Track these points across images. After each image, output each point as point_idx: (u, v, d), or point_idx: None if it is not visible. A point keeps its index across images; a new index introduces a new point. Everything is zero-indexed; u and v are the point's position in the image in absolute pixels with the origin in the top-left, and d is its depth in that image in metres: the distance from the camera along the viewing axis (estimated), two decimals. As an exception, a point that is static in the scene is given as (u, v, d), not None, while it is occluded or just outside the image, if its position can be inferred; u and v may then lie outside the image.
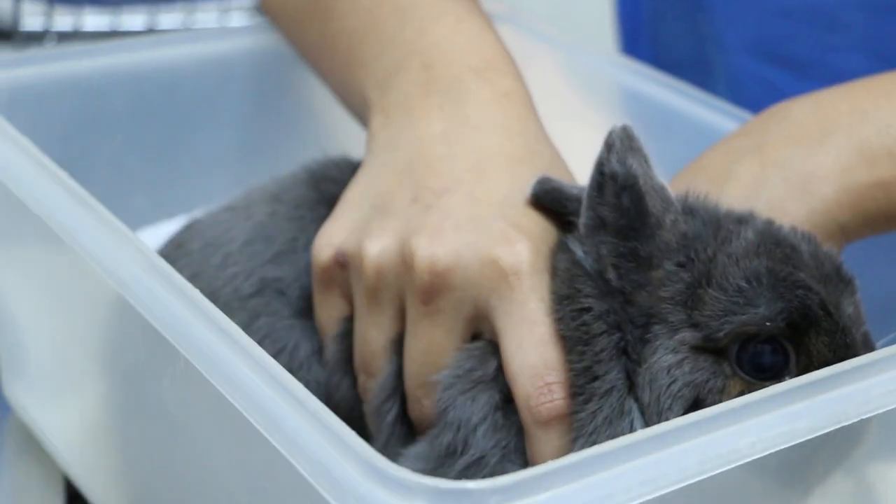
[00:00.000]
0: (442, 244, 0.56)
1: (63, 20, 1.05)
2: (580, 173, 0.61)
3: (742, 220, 0.56)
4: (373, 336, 0.59)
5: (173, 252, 0.67)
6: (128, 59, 0.82)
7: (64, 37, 1.05)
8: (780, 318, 0.52)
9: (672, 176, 0.66)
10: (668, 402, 0.52)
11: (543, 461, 0.52)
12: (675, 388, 0.53)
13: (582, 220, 0.55)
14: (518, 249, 0.55)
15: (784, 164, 0.62)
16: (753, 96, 0.86)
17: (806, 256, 0.55)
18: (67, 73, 0.81)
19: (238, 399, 0.49)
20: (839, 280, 0.55)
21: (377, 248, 0.58)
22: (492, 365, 0.56)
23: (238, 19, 1.09)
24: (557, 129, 0.65)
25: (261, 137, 0.87)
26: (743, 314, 0.53)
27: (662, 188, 0.55)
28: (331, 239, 0.60)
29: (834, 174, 0.61)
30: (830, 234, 0.61)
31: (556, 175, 0.58)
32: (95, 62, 0.82)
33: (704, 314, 0.53)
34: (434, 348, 0.57)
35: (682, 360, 0.53)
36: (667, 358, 0.53)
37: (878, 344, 0.55)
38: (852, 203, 0.61)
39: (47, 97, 0.80)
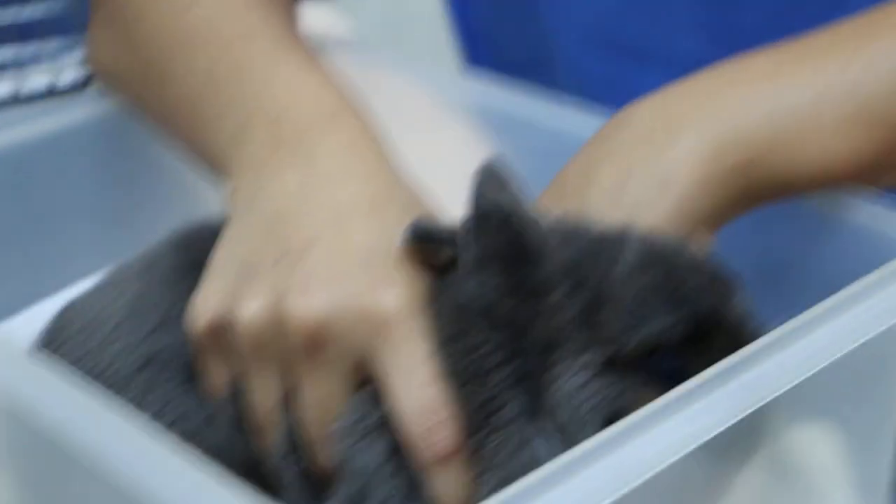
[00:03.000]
0: (313, 301, 0.56)
1: None
2: (444, 194, 0.62)
3: (619, 240, 0.57)
4: (260, 400, 0.59)
5: (54, 338, 0.66)
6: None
7: None
8: (675, 329, 0.54)
9: (538, 188, 0.66)
10: (585, 422, 0.54)
11: (447, 500, 0.54)
12: (587, 407, 0.54)
13: (463, 259, 0.56)
14: (388, 296, 0.56)
15: (639, 165, 0.63)
16: (598, 90, 0.86)
17: (687, 266, 0.56)
18: None
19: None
20: (722, 283, 0.57)
21: (249, 313, 0.58)
22: (381, 411, 0.56)
23: (70, 78, 1.06)
24: (413, 150, 0.66)
25: (124, 202, 0.86)
26: (641, 329, 0.54)
27: (536, 221, 0.57)
28: (202, 308, 0.60)
29: (687, 168, 0.62)
30: (697, 224, 0.62)
31: (417, 215, 0.59)
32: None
33: (604, 334, 0.55)
34: (325, 401, 0.57)
35: (590, 379, 0.54)
36: (575, 380, 0.54)
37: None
38: (712, 192, 0.62)
39: None
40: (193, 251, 0.65)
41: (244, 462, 0.61)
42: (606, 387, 0.54)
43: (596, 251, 0.56)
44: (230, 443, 0.61)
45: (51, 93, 1.05)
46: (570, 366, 0.55)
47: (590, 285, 0.55)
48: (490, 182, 0.56)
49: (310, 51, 0.69)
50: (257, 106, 0.65)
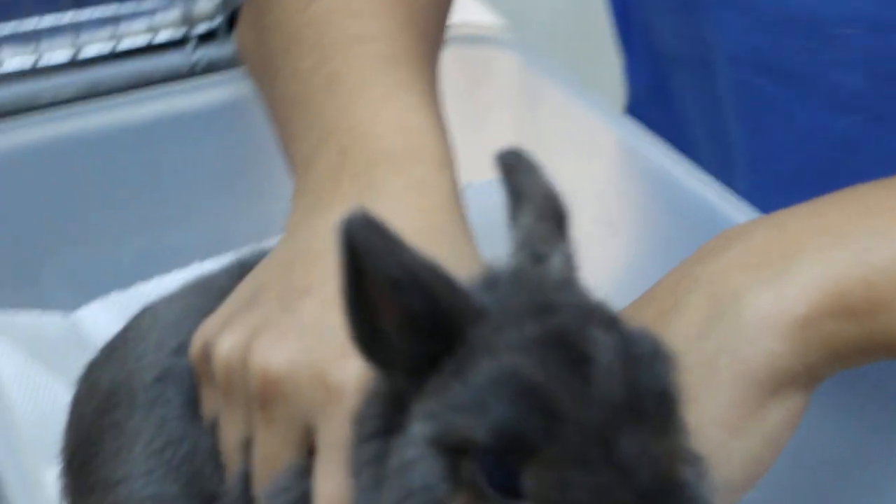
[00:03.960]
0: (279, 350, 0.53)
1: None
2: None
3: (548, 309, 0.47)
4: (229, 430, 0.57)
5: (120, 340, 0.66)
6: (99, 120, 0.78)
7: (-15, 81, 0.97)
8: (497, 431, 0.44)
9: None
10: None
11: None
12: (404, 491, 0.46)
13: (352, 336, 0.48)
14: (350, 366, 0.52)
15: (739, 297, 0.54)
16: (752, 107, 0.82)
17: (597, 370, 0.45)
18: (40, 140, 0.78)
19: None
20: (637, 407, 0.45)
21: (228, 344, 0.56)
22: (305, 486, 0.53)
23: (166, 36, 1.02)
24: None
25: (251, 185, 0.83)
26: (466, 416, 0.45)
27: (443, 274, 0.47)
28: (203, 329, 0.58)
29: (798, 308, 0.53)
30: (795, 377, 0.53)
31: (458, 271, 0.49)
32: (70, 125, 0.77)
33: (440, 406, 0.46)
34: (271, 458, 0.55)
35: (419, 457, 0.46)
36: (407, 452, 0.47)
37: None
38: (822, 340, 0.53)
39: (20, 165, 0.78)
40: (243, 276, 0.62)
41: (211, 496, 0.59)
42: (427, 471, 0.46)
43: (514, 313, 0.47)
44: (204, 473, 0.60)
45: (147, 49, 1.01)
46: (407, 434, 0.47)
47: (469, 345, 0.46)
48: (374, 242, 0.46)
49: (419, 64, 0.64)
50: (335, 128, 0.61)
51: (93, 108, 0.79)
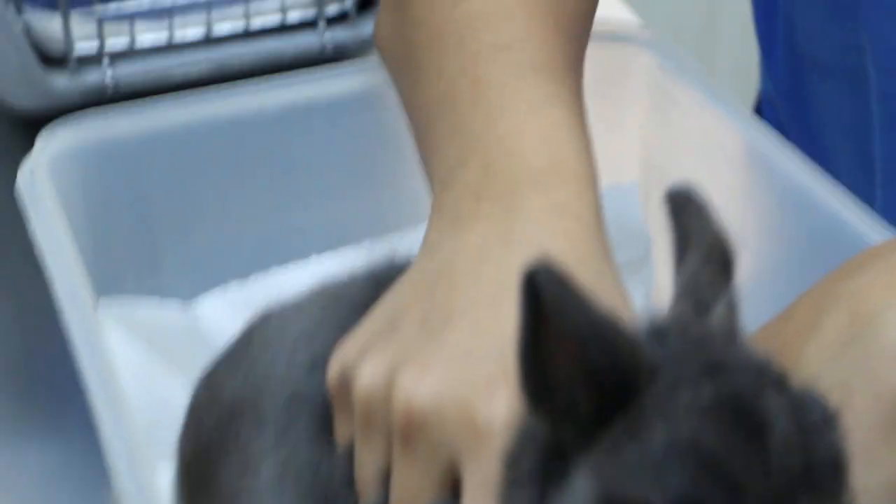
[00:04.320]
0: (424, 383, 0.51)
1: (116, 40, 0.97)
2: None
3: (721, 369, 0.46)
4: (365, 460, 0.55)
5: (243, 347, 0.64)
6: (229, 105, 0.78)
7: (118, 56, 0.97)
8: (674, 500, 0.43)
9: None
10: None
11: None
12: None
13: (522, 385, 0.47)
14: (499, 400, 0.49)
15: (878, 317, 0.52)
16: None
17: (774, 439, 0.44)
18: (169, 124, 0.77)
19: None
20: (813, 477, 0.45)
21: (369, 372, 0.53)
22: None
23: (297, 17, 1.02)
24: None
25: (380, 177, 0.83)
26: (641, 482, 0.44)
27: (624, 330, 0.46)
28: (342, 354, 0.56)
29: None
30: None
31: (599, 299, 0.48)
32: (199, 109, 0.77)
33: (611, 467, 0.45)
34: (411, 494, 0.52)
35: None
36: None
37: None
38: None
39: (147, 149, 0.76)
40: (381, 289, 0.59)
41: None
42: None
43: (679, 371, 0.46)
44: (337, 502, 0.57)
45: (278, 29, 1.01)
46: (576, 488, 0.45)
47: (642, 405, 0.45)
48: (557, 293, 0.44)
49: (565, 73, 0.62)
50: (479, 142, 0.58)
51: (222, 92, 0.78)
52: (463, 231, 0.56)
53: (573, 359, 0.45)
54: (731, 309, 0.51)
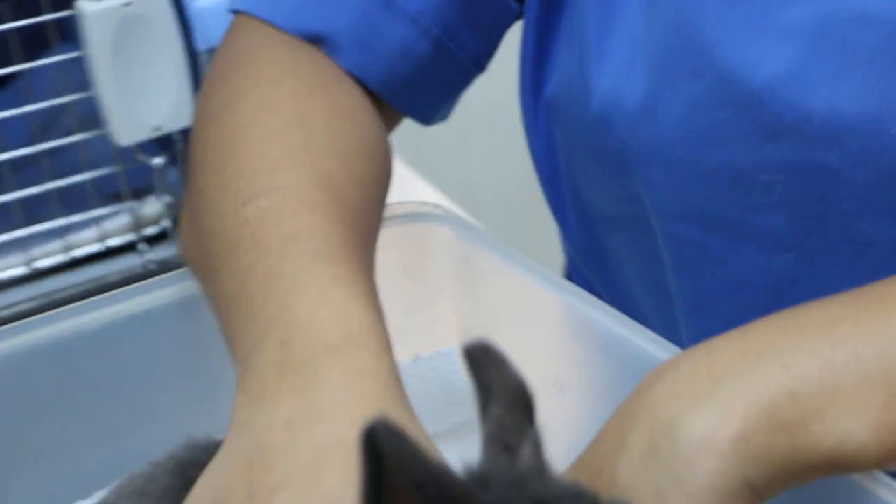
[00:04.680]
0: None
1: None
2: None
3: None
4: None
5: None
6: (55, 329, 0.79)
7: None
8: None
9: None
10: None
11: None
12: None
13: None
14: None
15: (673, 425, 0.57)
16: (687, 258, 0.85)
17: None
18: None
19: None
20: None
21: None
22: None
23: (117, 242, 1.05)
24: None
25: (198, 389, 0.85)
26: None
27: (457, 478, 0.50)
28: None
29: (729, 427, 0.56)
30: (738, 494, 0.56)
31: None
32: (25, 338, 0.79)
33: None
34: None
35: None
36: None
37: None
38: (757, 455, 0.56)
39: None
40: (190, 473, 0.63)
41: None
42: None
43: None
44: None
45: (100, 255, 1.04)
46: None
47: None
48: (396, 449, 0.48)
49: (352, 256, 0.67)
50: (275, 324, 0.63)
51: (48, 318, 0.80)
52: (270, 407, 0.59)
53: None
54: (537, 447, 0.55)
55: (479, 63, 0.91)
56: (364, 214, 0.72)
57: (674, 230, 0.85)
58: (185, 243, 0.77)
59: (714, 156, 0.80)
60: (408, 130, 0.97)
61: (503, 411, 0.55)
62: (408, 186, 1.20)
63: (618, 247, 0.93)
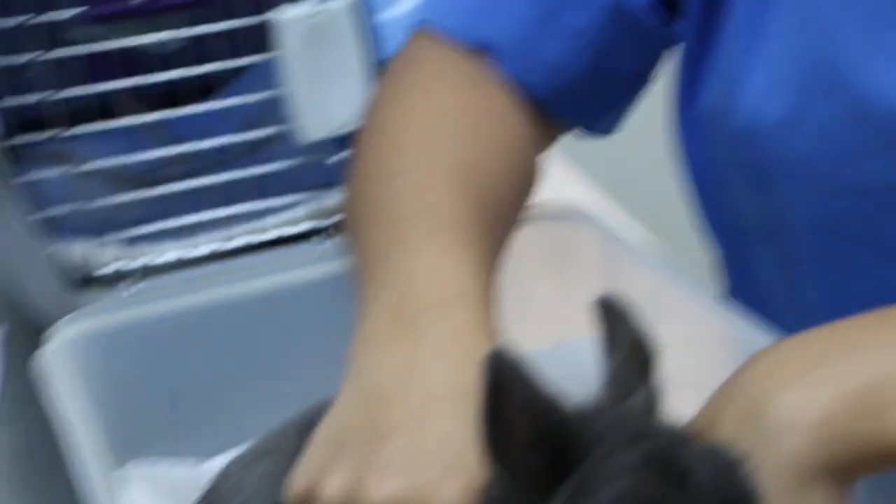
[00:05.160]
0: (385, 486, 0.62)
1: (142, 258, 1.10)
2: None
3: (642, 436, 0.57)
4: None
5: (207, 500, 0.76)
6: (235, 287, 0.90)
7: (146, 271, 1.10)
8: None
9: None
10: None
11: None
12: None
13: (488, 450, 0.58)
14: (449, 489, 0.62)
15: (762, 402, 0.61)
16: (831, 272, 0.89)
17: (696, 481, 0.55)
18: (164, 308, 0.88)
19: None
20: None
21: (332, 489, 0.64)
22: None
23: (301, 227, 1.14)
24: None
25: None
26: None
27: (565, 404, 0.57)
28: (296, 479, 0.66)
29: (814, 408, 0.60)
30: (820, 473, 0.60)
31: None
32: (187, 297, 0.89)
33: None
34: None
35: None
36: None
37: None
38: (840, 437, 0.60)
39: (147, 331, 0.88)
40: (306, 435, 0.70)
41: None
42: None
43: (612, 441, 0.57)
44: None
45: (280, 242, 1.13)
46: None
47: (584, 472, 0.56)
48: (511, 374, 0.56)
49: (474, 231, 0.75)
50: (393, 279, 0.72)
51: (229, 275, 0.90)
52: (383, 353, 0.68)
53: (525, 427, 0.56)
54: (650, 398, 0.62)
55: (640, 79, 0.98)
56: (496, 200, 0.80)
57: (814, 244, 0.89)
58: (343, 205, 0.86)
59: (854, 172, 0.85)
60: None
61: (621, 361, 0.62)
62: (570, 189, 1.27)
63: (759, 259, 0.98)
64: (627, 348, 0.62)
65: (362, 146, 0.87)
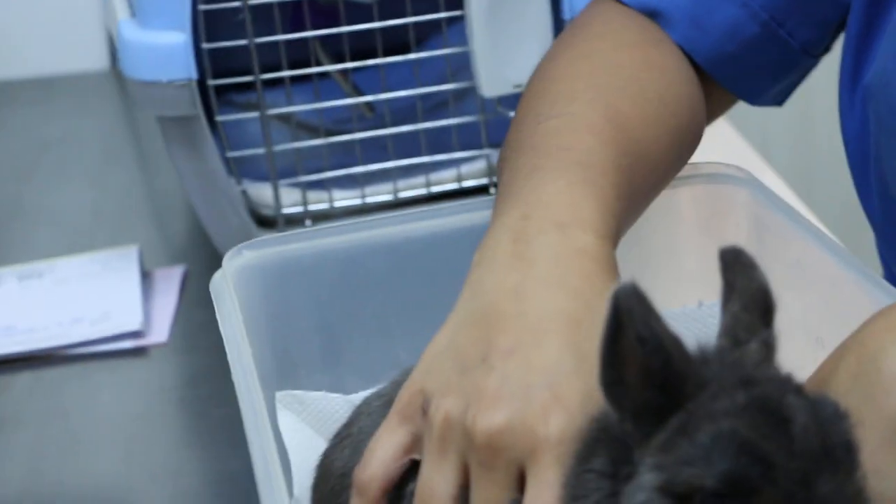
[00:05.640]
0: (497, 412, 0.65)
1: (317, 204, 1.15)
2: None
3: (752, 382, 0.59)
4: (437, 483, 0.68)
5: (346, 429, 0.79)
6: (379, 232, 0.93)
7: (319, 216, 1.15)
8: (723, 479, 0.56)
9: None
10: None
11: None
12: None
13: (601, 380, 0.60)
14: (553, 421, 0.65)
15: (878, 355, 0.62)
16: None
17: (796, 428, 0.57)
18: (330, 246, 0.92)
19: None
20: (830, 456, 0.57)
21: (448, 405, 0.67)
22: None
23: (472, 182, 1.18)
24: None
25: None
26: (694, 468, 0.57)
27: (680, 344, 0.60)
28: (415, 385, 0.70)
29: None
30: None
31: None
32: (353, 236, 0.92)
33: (669, 460, 0.58)
34: (492, 498, 0.66)
35: (648, 500, 0.58)
36: (637, 496, 0.58)
37: None
38: None
39: (313, 267, 0.91)
40: None
41: None
42: None
43: (720, 386, 0.59)
44: None
45: (455, 194, 1.17)
46: (638, 483, 0.58)
47: (690, 411, 0.58)
48: (638, 307, 0.58)
49: (606, 170, 0.77)
50: (520, 201, 0.75)
51: (386, 220, 0.93)
52: (501, 272, 0.71)
53: (638, 360, 0.59)
54: (767, 346, 0.64)
55: (809, 51, 0.98)
56: (645, 153, 0.82)
57: None
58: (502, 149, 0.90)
59: None
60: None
61: (740, 309, 0.64)
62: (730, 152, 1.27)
63: None
64: (747, 297, 0.64)
65: (529, 90, 0.90)
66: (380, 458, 0.70)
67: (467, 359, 0.69)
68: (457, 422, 0.67)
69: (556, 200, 0.74)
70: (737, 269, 0.65)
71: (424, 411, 0.69)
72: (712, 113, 0.99)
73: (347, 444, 0.77)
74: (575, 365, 0.66)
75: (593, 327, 0.63)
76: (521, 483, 0.66)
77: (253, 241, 0.90)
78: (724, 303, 0.65)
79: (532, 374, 0.66)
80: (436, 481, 0.68)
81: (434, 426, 0.68)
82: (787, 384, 0.60)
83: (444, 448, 0.68)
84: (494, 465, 0.66)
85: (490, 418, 0.66)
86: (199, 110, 1.08)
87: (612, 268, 0.72)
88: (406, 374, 0.78)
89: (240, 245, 0.89)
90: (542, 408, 0.65)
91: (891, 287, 0.81)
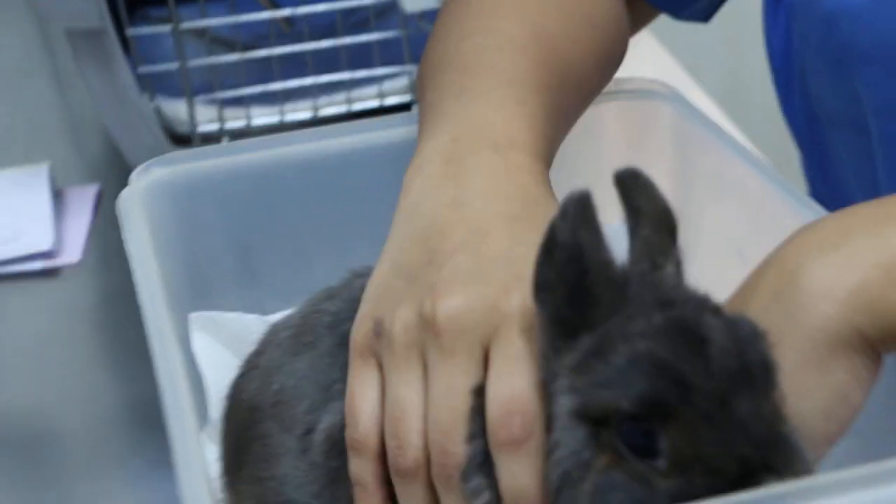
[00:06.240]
0: (454, 295, 0.62)
1: (234, 121, 1.13)
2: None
3: (669, 303, 0.58)
4: (407, 396, 0.63)
5: (255, 358, 0.76)
6: (296, 149, 0.90)
7: (236, 134, 1.12)
8: (639, 401, 0.55)
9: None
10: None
11: (507, 485, 0.59)
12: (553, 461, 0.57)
13: (533, 279, 0.59)
14: (516, 296, 0.62)
15: (799, 270, 0.61)
16: None
17: (713, 349, 0.56)
18: (245, 162, 0.89)
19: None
20: (748, 376, 0.56)
21: (402, 313, 0.64)
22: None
23: (394, 100, 1.16)
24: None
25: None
26: (609, 390, 0.56)
27: (608, 264, 0.58)
28: (366, 317, 0.66)
29: (849, 277, 0.60)
30: (849, 340, 0.59)
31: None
32: (269, 153, 0.89)
33: (583, 382, 0.57)
34: (453, 390, 0.62)
35: (565, 426, 0.57)
36: (554, 424, 0.57)
37: None
38: (869, 305, 0.59)
39: (227, 184, 0.89)
40: (345, 329, 0.69)
41: None
42: (570, 438, 0.57)
43: (638, 307, 0.58)
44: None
45: (376, 111, 1.15)
46: (556, 403, 0.57)
47: (606, 333, 0.57)
48: (573, 213, 0.57)
49: (536, 88, 0.75)
50: (449, 123, 0.72)
51: (302, 136, 0.90)
52: (434, 190, 0.69)
53: (568, 277, 0.58)
54: (678, 266, 0.63)
55: None
56: (570, 70, 0.80)
57: (888, 129, 0.88)
58: (420, 63, 0.87)
59: None
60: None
61: (650, 232, 0.62)
62: (655, 68, 1.25)
63: (837, 147, 0.96)
64: (653, 219, 0.62)
65: (444, 9, 0.87)
66: (364, 412, 0.65)
67: (413, 270, 0.66)
68: (414, 324, 0.63)
69: (487, 122, 0.72)
70: (637, 190, 0.63)
71: (378, 336, 0.65)
72: (634, 26, 0.97)
73: (255, 375, 0.74)
74: (526, 251, 0.62)
75: (534, 225, 0.62)
76: (483, 367, 0.62)
77: (162, 157, 0.87)
78: (632, 226, 0.63)
79: (483, 262, 0.64)
80: (404, 394, 0.63)
81: (393, 338, 0.64)
82: (704, 305, 0.59)
83: (407, 356, 0.64)
84: (455, 350, 0.62)
85: (449, 302, 0.62)
86: (108, 23, 1.05)
87: (548, 183, 0.70)
88: (317, 300, 0.76)
89: (149, 161, 0.87)
90: (502, 285, 0.62)
91: (814, 203, 0.80)
